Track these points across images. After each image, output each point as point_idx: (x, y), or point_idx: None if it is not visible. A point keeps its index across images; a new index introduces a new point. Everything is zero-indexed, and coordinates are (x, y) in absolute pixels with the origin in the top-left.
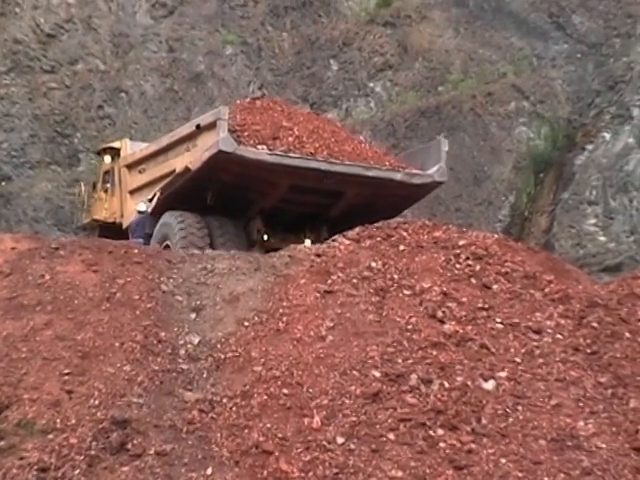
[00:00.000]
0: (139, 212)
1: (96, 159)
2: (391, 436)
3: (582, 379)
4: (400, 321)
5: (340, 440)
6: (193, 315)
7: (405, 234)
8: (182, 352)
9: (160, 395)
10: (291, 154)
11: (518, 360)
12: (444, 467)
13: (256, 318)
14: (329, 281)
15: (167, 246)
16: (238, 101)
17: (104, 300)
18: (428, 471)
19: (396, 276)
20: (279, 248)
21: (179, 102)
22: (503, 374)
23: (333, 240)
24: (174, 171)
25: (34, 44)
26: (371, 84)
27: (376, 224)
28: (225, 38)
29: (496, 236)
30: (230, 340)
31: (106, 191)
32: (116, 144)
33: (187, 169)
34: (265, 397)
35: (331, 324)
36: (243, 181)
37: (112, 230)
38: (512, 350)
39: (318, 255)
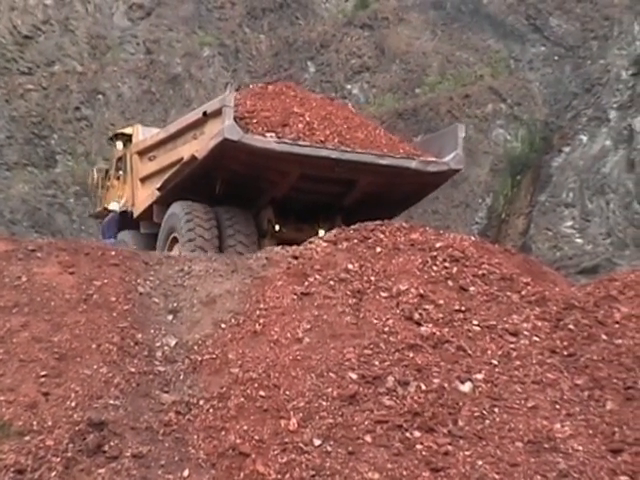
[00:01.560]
0: (110, 211)
1: (109, 145)
2: (368, 438)
3: (559, 381)
4: (377, 323)
5: (317, 442)
6: (170, 317)
7: (382, 236)
8: (159, 354)
9: (137, 397)
10: (300, 142)
11: (495, 362)
12: (421, 469)
13: (233, 320)
14: (306, 283)
15: (175, 239)
16: (251, 85)
17: (81, 302)
18: (405, 473)
19: (373, 278)
20: (292, 238)
21: (156, 104)
22: (480, 376)
23: (310, 242)
24: (182, 159)
25: (11, 45)
26: (348, 86)
27: (353, 226)
28: (202, 40)
29: (473, 238)
30: (207, 342)
31: (118, 178)
32: (128, 130)
33: (194, 158)
34: (242, 399)
35: (308, 326)
36: (251, 170)
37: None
38: (489, 352)
39: (295, 257)
